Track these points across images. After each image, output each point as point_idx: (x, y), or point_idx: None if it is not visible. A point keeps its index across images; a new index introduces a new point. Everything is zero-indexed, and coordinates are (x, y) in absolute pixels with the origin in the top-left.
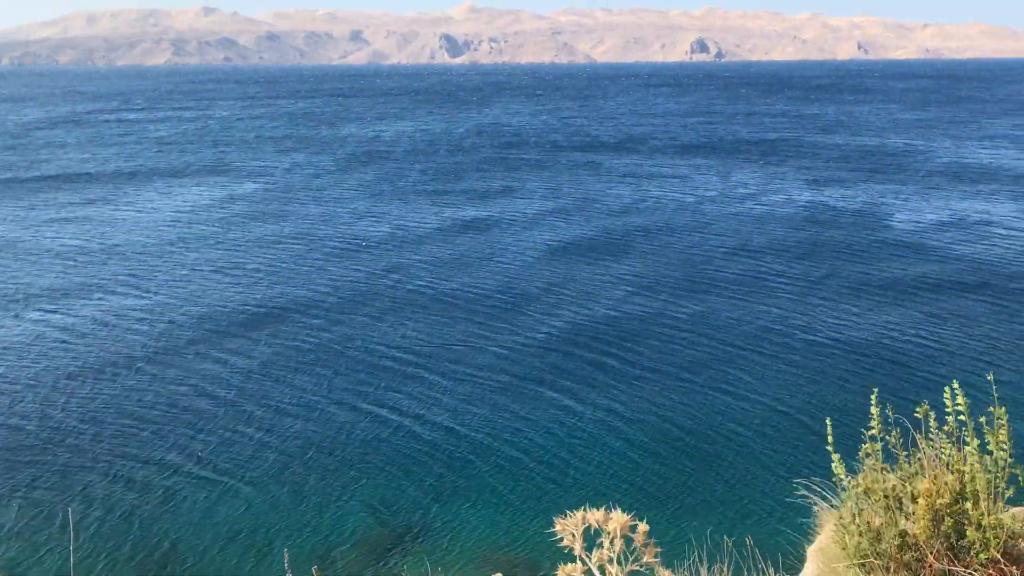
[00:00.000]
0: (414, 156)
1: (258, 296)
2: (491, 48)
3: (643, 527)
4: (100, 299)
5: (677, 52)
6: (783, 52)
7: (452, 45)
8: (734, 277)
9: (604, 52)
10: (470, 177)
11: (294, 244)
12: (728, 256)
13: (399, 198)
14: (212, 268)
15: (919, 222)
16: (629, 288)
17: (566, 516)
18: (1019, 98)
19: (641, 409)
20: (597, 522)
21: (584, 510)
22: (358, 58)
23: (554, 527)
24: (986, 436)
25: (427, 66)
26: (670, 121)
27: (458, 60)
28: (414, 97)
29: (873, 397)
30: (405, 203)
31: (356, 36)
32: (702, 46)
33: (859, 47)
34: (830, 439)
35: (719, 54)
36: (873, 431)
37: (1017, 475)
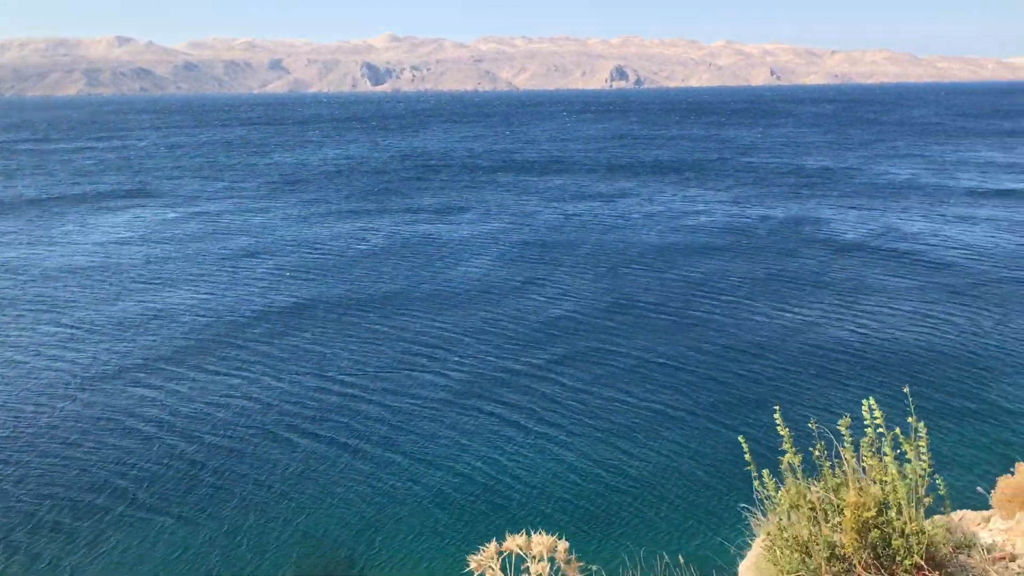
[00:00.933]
0: (339, 182)
1: (181, 328)
2: (413, 76)
3: (563, 545)
4: (7, 334)
5: (597, 79)
6: (700, 79)
7: (374, 73)
8: (659, 292)
9: (526, 80)
10: (396, 201)
11: (218, 272)
12: (653, 272)
13: (324, 224)
14: (133, 300)
15: (834, 236)
16: (555, 306)
17: (479, 551)
18: (917, 120)
19: (574, 430)
20: (519, 547)
21: (504, 538)
22: (278, 87)
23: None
24: (904, 446)
25: (349, 94)
26: (594, 145)
27: (380, 88)
28: (337, 124)
29: (777, 415)
30: (331, 228)
31: (276, 65)
32: (621, 73)
33: (772, 73)
34: (747, 456)
35: (638, 81)
36: (786, 446)
37: (936, 483)
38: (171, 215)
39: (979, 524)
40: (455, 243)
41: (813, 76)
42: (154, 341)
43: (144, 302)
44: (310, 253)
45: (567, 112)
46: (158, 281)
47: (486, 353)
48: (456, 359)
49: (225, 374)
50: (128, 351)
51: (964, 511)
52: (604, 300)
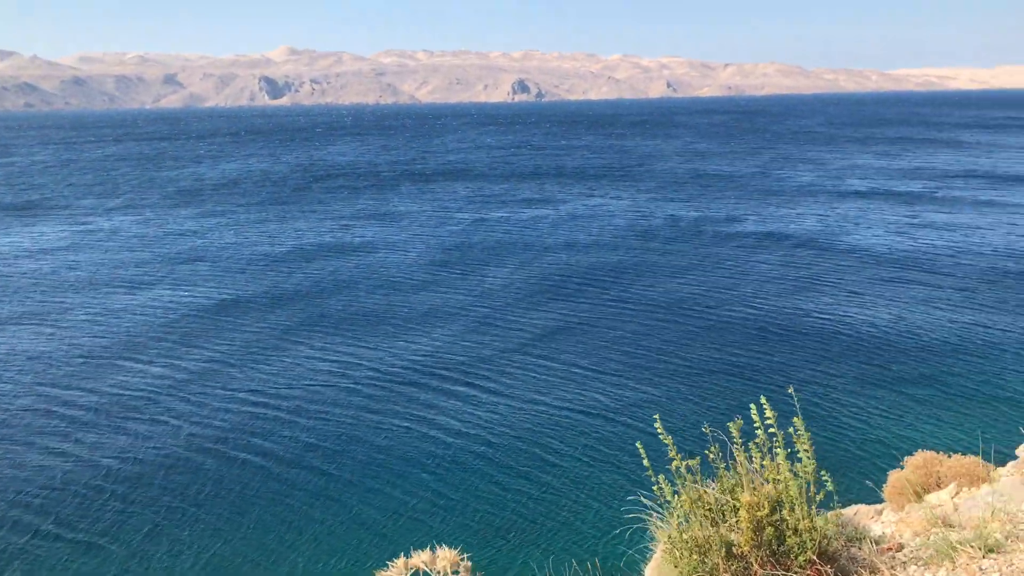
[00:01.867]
0: (239, 194)
1: (77, 346)
2: (313, 89)
3: (466, 564)
4: None
5: (499, 92)
6: (599, 91)
7: (272, 87)
8: (560, 295)
9: (428, 93)
10: (297, 210)
11: (110, 290)
12: (557, 273)
13: (224, 235)
14: (25, 321)
15: (734, 235)
16: (460, 310)
17: (388, 566)
18: (803, 129)
19: (481, 440)
20: (424, 563)
21: (408, 554)
22: (173, 101)
23: None
24: (796, 445)
25: (247, 108)
26: (499, 154)
27: (279, 101)
28: (236, 138)
29: (658, 424)
30: (231, 239)
31: (170, 79)
32: (523, 87)
33: (668, 86)
34: (646, 462)
35: (539, 94)
36: (672, 454)
37: (825, 481)
38: (62, 231)
39: (872, 517)
40: (360, 250)
41: (708, 88)
42: (40, 364)
43: (36, 321)
44: (211, 266)
45: (471, 125)
46: (45, 300)
47: (391, 364)
48: (362, 371)
49: (123, 394)
50: (20, 370)
51: (859, 505)
52: (509, 303)
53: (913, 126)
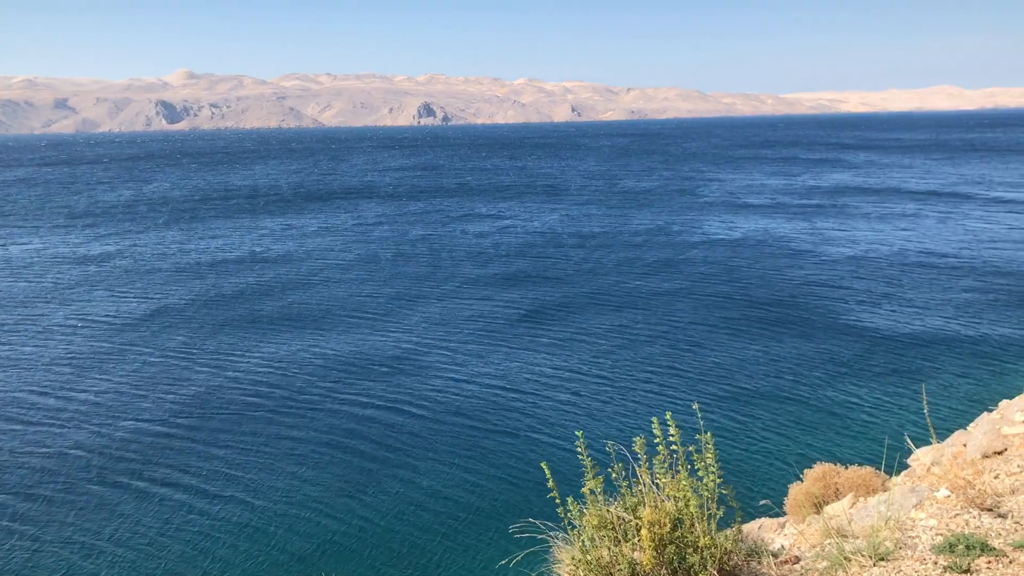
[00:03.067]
0: (139, 216)
1: None
2: (213, 113)
3: None
4: None
5: (405, 116)
6: (505, 115)
7: (170, 111)
8: (464, 307)
9: (332, 116)
10: (198, 231)
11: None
12: (465, 284)
13: (119, 259)
14: None
15: (633, 253)
16: (357, 325)
17: None
18: (697, 151)
19: (373, 463)
20: None
21: None
22: (65, 127)
23: None
24: (696, 462)
25: (143, 133)
26: (406, 174)
27: (177, 126)
28: (132, 163)
29: (579, 443)
30: (127, 261)
31: (62, 104)
32: (428, 110)
33: (573, 110)
34: (550, 483)
35: (445, 118)
36: (588, 475)
37: (726, 495)
38: None
39: (776, 530)
40: (261, 266)
41: (611, 112)
42: None
43: None
44: (104, 289)
45: (377, 148)
46: None
47: (287, 382)
48: (260, 388)
49: (31, 423)
50: None
51: (763, 519)
52: (405, 316)
53: (804, 147)
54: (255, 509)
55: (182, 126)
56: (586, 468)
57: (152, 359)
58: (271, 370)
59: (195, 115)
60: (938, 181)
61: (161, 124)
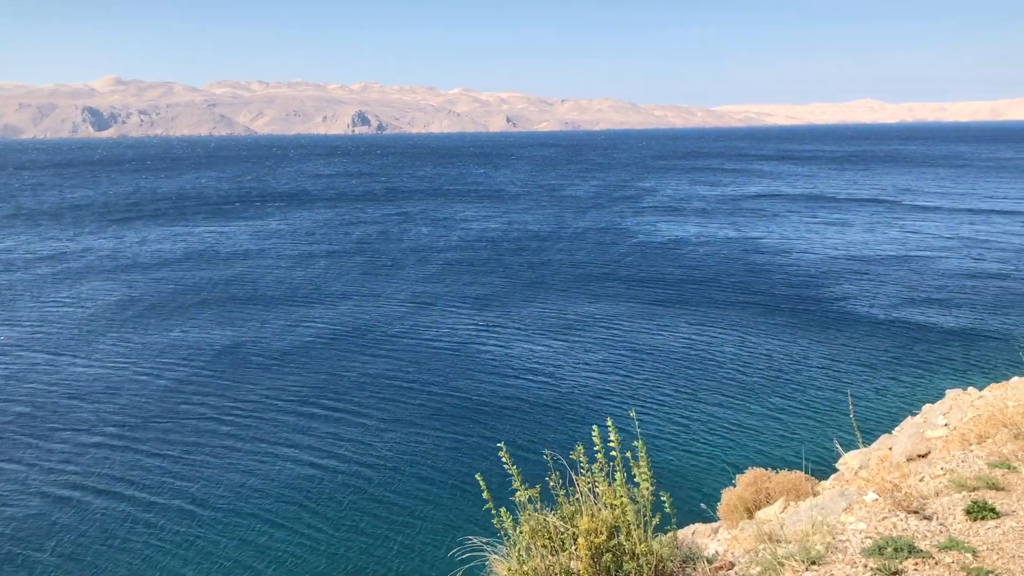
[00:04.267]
0: (67, 223)
1: None
2: (142, 121)
3: None
4: None
5: (339, 125)
6: (440, 125)
7: (97, 118)
8: (399, 316)
9: (265, 124)
10: (126, 235)
11: None
12: (396, 289)
13: (44, 270)
14: None
15: (566, 260)
16: (276, 342)
17: None
18: (626, 160)
19: (302, 482)
20: None
21: None
22: None
23: None
24: (633, 469)
25: (69, 140)
26: (343, 181)
27: (105, 134)
28: (58, 169)
29: (503, 453)
30: (58, 265)
31: None
32: (363, 119)
33: (508, 120)
34: (485, 494)
35: (380, 126)
36: (516, 484)
37: (663, 502)
38: None
39: (710, 536)
40: (184, 268)
41: (546, 123)
42: None
43: None
44: (34, 297)
45: (311, 156)
46: None
47: (225, 389)
48: (199, 395)
49: None
50: None
51: (697, 524)
52: (341, 322)
53: (731, 158)
54: (199, 520)
55: (110, 133)
56: (514, 477)
57: (84, 367)
58: (210, 375)
59: (123, 122)
60: (860, 190)
61: (88, 131)
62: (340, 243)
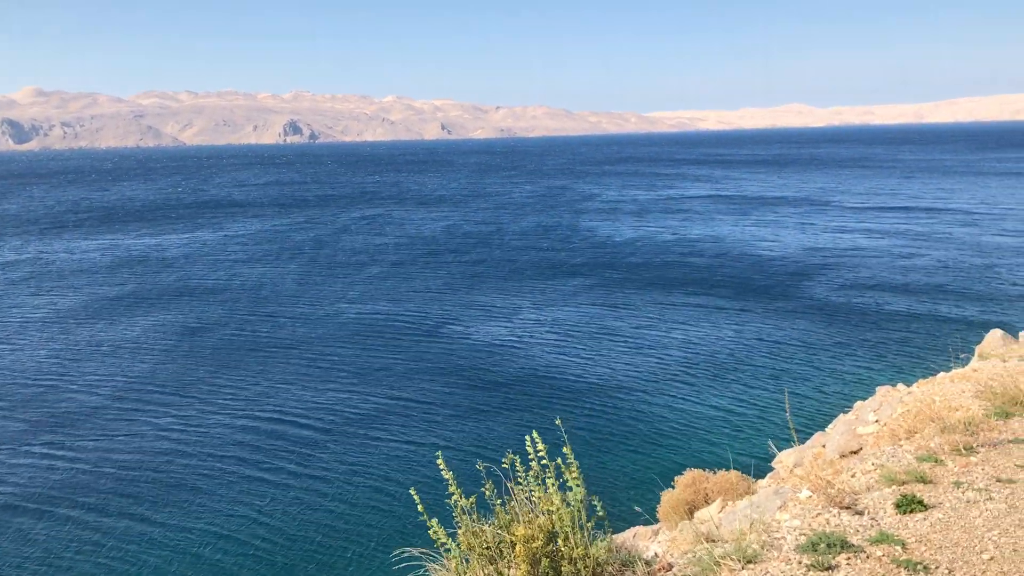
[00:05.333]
0: None
1: None
2: (65, 133)
3: None
4: None
5: (270, 134)
6: (374, 133)
7: (18, 130)
8: (350, 320)
9: (194, 135)
10: (47, 245)
11: None
12: (339, 293)
13: None
14: None
15: (495, 268)
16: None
17: None
18: (562, 165)
19: (258, 499)
20: None
21: None
22: None
23: None
24: (564, 474)
25: None
26: (276, 190)
27: (26, 146)
28: None
29: (440, 461)
30: None
31: None
32: (295, 128)
33: (443, 127)
34: (420, 507)
35: (313, 135)
36: (454, 493)
37: (596, 507)
38: None
39: (650, 537)
40: (131, 279)
41: (481, 130)
42: None
43: None
44: None
45: (242, 166)
46: None
47: (161, 398)
48: (137, 403)
49: None
50: None
51: (638, 527)
52: (255, 331)
53: (660, 162)
54: (143, 536)
55: (31, 146)
56: (450, 484)
57: (10, 379)
58: (150, 388)
59: (45, 134)
60: (787, 191)
61: (8, 144)
62: (276, 251)
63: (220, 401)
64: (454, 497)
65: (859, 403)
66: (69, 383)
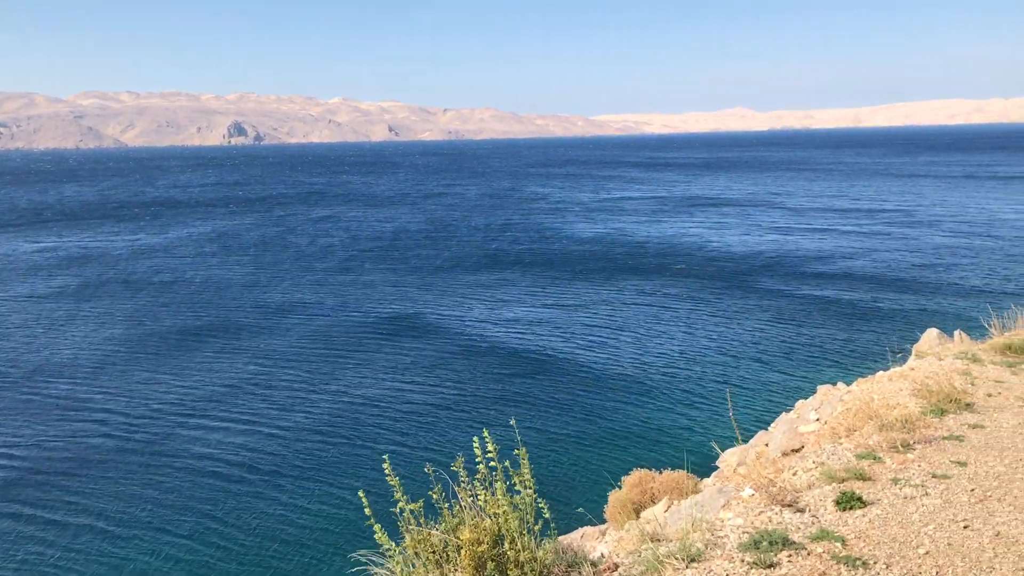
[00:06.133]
0: None
1: None
2: (1, 134)
3: None
4: None
5: (215, 136)
6: (320, 134)
7: None
8: (297, 325)
9: (136, 136)
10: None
11: None
12: (284, 297)
13: None
14: None
15: (432, 267)
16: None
17: None
18: (509, 167)
19: (216, 498)
20: None
21: None
22: None
23: None
24: (513, 478)
25: None
26: (223, 189)
27: None
28: None
29: (386, 466)
30: None
31: None
32: (240, 130)
33: (390, 129)
34: (368, 511)
35: (258, 137)
36: (397, 496)
37: (542, 508)
38: None
39: (597, 538)
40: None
41: (429, 132)
42: None
43: None
44: None
45: (187, 167)
46: None
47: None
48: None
49: None
50: None
51: (585, 528)
52: (232, 334)
53: (605, 165)
54: (101, 534)
55: None
56: (395, 490)
57: None
58: (93, 387)
59: None
60: (732, 193)
61: None
62: (221, 253)
63: (160, 406)
64: (400, 504)
65: (801, 402)
66: (19, 385)
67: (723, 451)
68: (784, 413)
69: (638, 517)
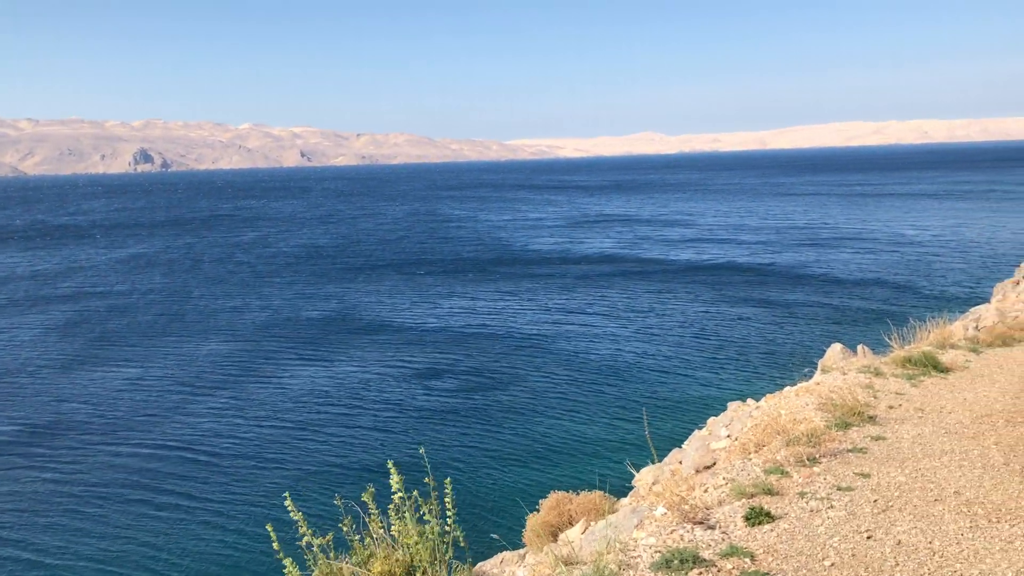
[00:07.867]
0: None
1: None
2: None
3: None
4: None
5: (120, 163)
6: (230, 161)
7: None
8: (218, 341)
9: (36, 164)
10: None
11: None
12: (205, 317)
13: None
14: None
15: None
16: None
17: None
18: (422, 190)
19: (129, 535)
20: None
21: None
22: None
23: None
24: (422, 507)
25: None
26: (126, 214)
27: None
28: None
29: (288, 501)
30: None
31: None
32: (146, 157)
33: (303, 155)
34: (276, 545)
35: (165, 164)
36: (302, 530)
37: (456, 537)
38: None
39: (516, 562)
40: None
41: (342, 158)
42: None
43: None
44: None
45: (89, 196)
46: None
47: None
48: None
49: None
50: None
51: (504, 552)
52: (158, 351)
53: (520, 188)
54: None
55: None
56: (300, 526)
57: None
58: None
59: None
60: (644, 213)
61: None
62: (131, 278)
63: (65, 431)
64: (306, 538)
65: (712, 419)
66: None
67: (639, 470)
68: (697, 430)
69: (555, 540)
